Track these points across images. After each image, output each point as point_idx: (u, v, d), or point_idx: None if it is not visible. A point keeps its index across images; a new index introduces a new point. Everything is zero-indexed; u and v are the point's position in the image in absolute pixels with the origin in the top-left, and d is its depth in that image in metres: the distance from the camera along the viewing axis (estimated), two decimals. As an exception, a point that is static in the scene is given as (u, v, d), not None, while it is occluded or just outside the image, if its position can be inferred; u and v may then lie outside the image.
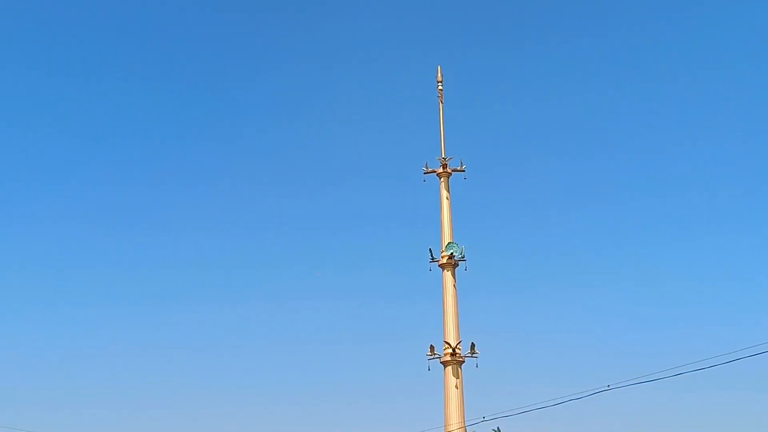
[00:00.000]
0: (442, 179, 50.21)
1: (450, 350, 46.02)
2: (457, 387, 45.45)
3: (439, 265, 48.26)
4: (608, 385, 33.61)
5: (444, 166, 50.31)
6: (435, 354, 46.40)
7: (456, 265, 48.04)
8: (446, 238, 48.68)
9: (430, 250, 48.57)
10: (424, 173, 50.56)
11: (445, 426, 45.29)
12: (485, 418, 40.52)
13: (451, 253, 47.96)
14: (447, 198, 49.84)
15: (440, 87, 52.61)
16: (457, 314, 47.24)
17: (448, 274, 47.94)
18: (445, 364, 46.07)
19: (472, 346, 46.03)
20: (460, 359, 45.89)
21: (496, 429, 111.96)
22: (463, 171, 50.28)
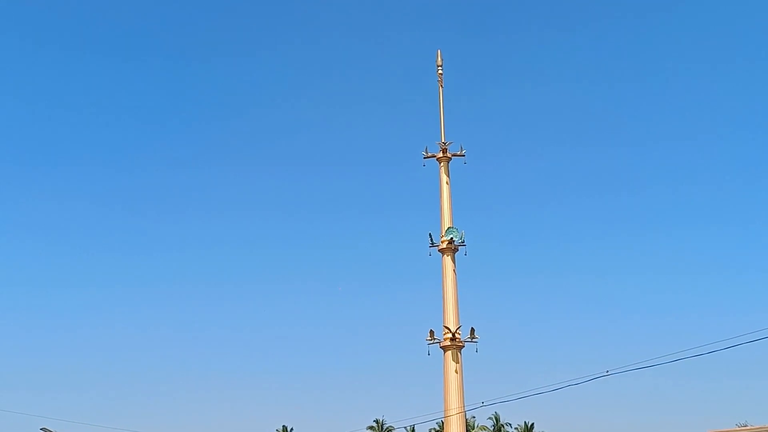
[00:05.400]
0: (442, 164, 49.98)
1: (450, 335, 45.92)
2: (456, 372, 45.38)
3: (439, 250, 48.13)
4: (607, 371, 33.60)
5: (444, 151, 50.05)
6: (435, 339, 46.31)
7: (456, 250, 47.91)
8: (446, 223, 48.51)
9: (430, 234, 48.47)
10: (424, 158, 50.34)
11: (445, 411, 45.27)
12: (484, 403, 40.56)
13: (451, 238, 47.81)
14: (447, 183, 49.63)
15: (440, 71, 52.28)
16: (457, 299, 47.13)
17: (448, 259, 47.81)
18: (444, 349, 45.97)
19: (472, 331, 45.91)
20: (460, 344, 45.80)
21: (494, 414, 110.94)
22: (463, 156, 50.08)
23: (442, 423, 48.04)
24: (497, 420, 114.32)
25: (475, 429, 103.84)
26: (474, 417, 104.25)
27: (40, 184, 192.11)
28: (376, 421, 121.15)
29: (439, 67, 52.35)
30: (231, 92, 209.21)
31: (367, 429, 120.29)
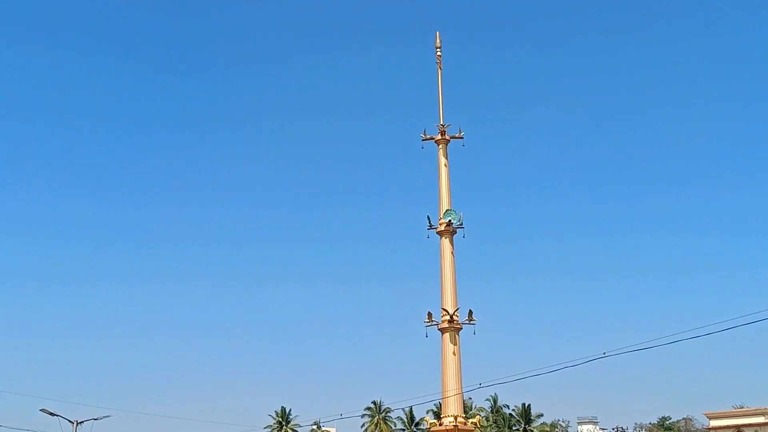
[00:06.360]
0: (440, 146, 49.74)
1: (447, 317, 45.84)
2: (454, 354, 45.36)
3: (437, 233, 47.96)
4: (604, 353, 33.72)
5: (442, 133, 49.80)
6: (433, 321, 46.21)
7: (454, 232, 47.74)
8: (444, 205, 48.34)
9: (428, 217, 48.29)
10: (423, 140, 50.10)
11: (443, 392, 45.33)
12: (482, 385, 40.62)
13: (449, 221, 47.64)
14: (445, 165, 49.43)
15: (439, 53, 51.98)
16: (455, 281, 47.02)
17: (446, 242, 47.69)
18: (442, 331, 45.89)
19: (470, 313, 45.84)
20: (458, 326, 45.75)
21: (492, 396, 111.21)
22: (462, 138, 49.83)
23: (440, 404, 48.08)
24: (495, 401, 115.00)
25: (473, 410, 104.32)
26: (471, 398, 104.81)
27: (52, 186, 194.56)
28: (374, 403, 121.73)
29: (438, 49, 52.03)
30: (231, 84, 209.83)
31: (365, 410, 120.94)
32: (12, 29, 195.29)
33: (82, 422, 53.12)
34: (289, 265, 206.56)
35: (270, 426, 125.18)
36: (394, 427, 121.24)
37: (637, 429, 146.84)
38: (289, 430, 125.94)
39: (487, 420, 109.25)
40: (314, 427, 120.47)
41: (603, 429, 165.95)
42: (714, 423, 70.68)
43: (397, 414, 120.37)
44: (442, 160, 49.43)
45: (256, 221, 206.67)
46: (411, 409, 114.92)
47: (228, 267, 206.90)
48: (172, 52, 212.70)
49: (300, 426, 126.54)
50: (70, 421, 52.94)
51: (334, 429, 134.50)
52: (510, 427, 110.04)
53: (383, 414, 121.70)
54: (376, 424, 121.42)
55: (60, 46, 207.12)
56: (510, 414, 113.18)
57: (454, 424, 44.59)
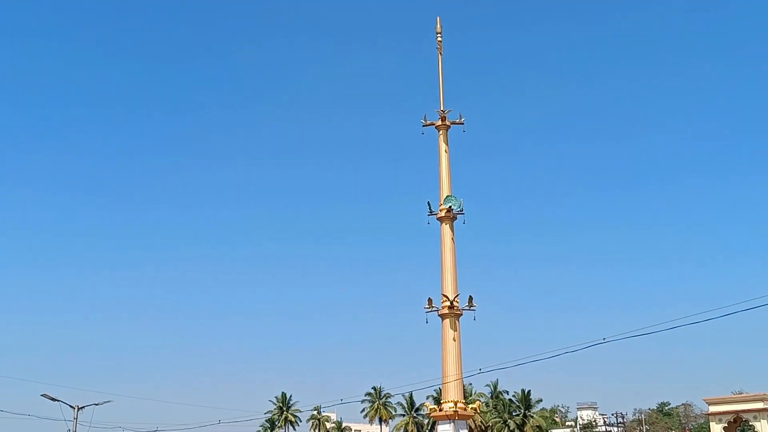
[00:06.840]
0: (440, 132, 49.63)
1: (448, 303, 45.86)
2: (454, 340, 45.40)
3: (437, 219, 47.93)
4: (604, 338, 33.74)
5: (443, 119, 49.68)
6: (433, 307, 46.22)
7: (454, 218, 47.71)
8: (445, 191, 48.26)
9: (428, 203, 48.24)
10: (423, 125, 49.99)
11: (443, 378, 45.42)
12: (481, 370, 40.62)
13: (450, 206, 47.58)
14: (446, 151, 49.33)
15: (439, 39, 51.75)
16: (455, 267, 47.06)
17: (446, 228, 47.65)
18: (443, 317, 45.93)
19: (470, 299, 45.87)
20: (458, 312, 45.77)
21: (492, 381, 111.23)
22: (462, 123, 49.71)
23: (440, 390, 48.17)
24: (495, 387, 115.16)
25: (473, 396, 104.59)
26: (471, 384, 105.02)
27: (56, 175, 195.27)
28: (374, 388, 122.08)
29: (438, 35, 51.79)
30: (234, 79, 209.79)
31: (365, 396, 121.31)
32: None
33: (83, 407, 53.16)
34: (290, 253, 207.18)
35: (270, 411, 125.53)
36: (394, 413, 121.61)
37: (637, 414, 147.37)
38: (289, 415, 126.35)
39: (487, 405, 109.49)
40: (314, 412, 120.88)
41: (602, 414, 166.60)
42: (713, 409, 70.63)
43: (397, 399, 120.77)
44: (443, 146, 49.32)
45: (257, 210, 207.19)
46: (411, 394, 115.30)
47: (230, 254, 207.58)
48: (175, 48, 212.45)
49: (300, 411, 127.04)
50: (71, 406, 53.01)
51: (335, 414, 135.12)
52: (510, 413, 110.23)
53: (383, 399, 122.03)
54: (377, 410, 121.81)
55: (53, 39, 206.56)
56: (510, 400, 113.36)
57: (454, 409, 44.68)
